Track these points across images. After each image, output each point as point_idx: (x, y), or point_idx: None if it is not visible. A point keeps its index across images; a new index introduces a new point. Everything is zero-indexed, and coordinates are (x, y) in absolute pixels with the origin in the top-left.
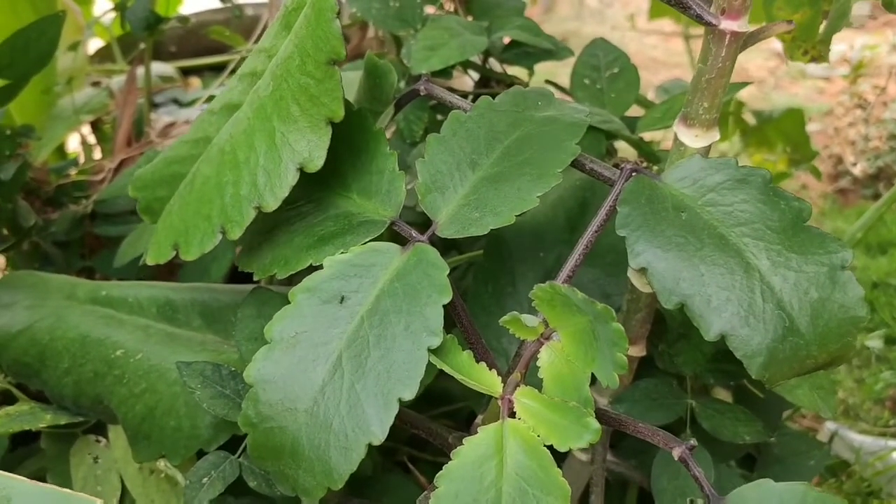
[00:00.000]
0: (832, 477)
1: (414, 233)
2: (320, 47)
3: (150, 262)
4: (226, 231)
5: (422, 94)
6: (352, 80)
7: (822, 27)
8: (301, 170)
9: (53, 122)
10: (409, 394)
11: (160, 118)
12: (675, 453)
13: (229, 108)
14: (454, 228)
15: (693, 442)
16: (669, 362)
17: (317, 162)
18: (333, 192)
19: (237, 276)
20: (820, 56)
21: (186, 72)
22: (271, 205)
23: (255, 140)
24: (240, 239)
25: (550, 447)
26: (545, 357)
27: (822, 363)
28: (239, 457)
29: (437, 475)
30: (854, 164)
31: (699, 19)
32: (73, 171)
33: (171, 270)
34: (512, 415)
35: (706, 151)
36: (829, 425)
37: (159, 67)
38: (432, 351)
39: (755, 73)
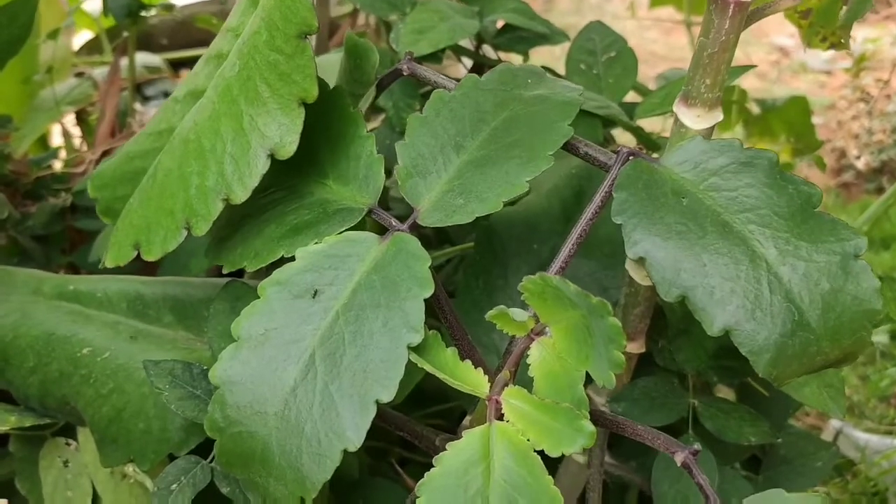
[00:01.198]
0: (837, 476)
1: (394, 221)
2: (289, 19)
3: (109, 264)
4: (191, 226)
5: (405, 73)
6: (333, 62)
7: (842, 12)
8: (272, 156)
9: (34, 114)
10: (388, 395)
11: (148, 110)
12: (678, 458)
13: (194, 94)
14: (437, 216)
15: (697, 447)
16: (670, 359)
17: (289, 148)
18: (308, 179)
19: (220, 271)
20: (840, 43)
21: (178, 64)
22: (240, 196)
23: (222, 126)
24: (210, 229)
25: (542, 452)
26: (536, 354)
27: (834, 359)
28: (211, 461)
29: (419, 483)
30: (857, 158)
31: None
32: (56, 164)
33: (150, 265)
34: (500, 417)
35: (709, 133)
36: (834, 423)
37: (145, 58)
38: (413, 348)
39: (757, 65)
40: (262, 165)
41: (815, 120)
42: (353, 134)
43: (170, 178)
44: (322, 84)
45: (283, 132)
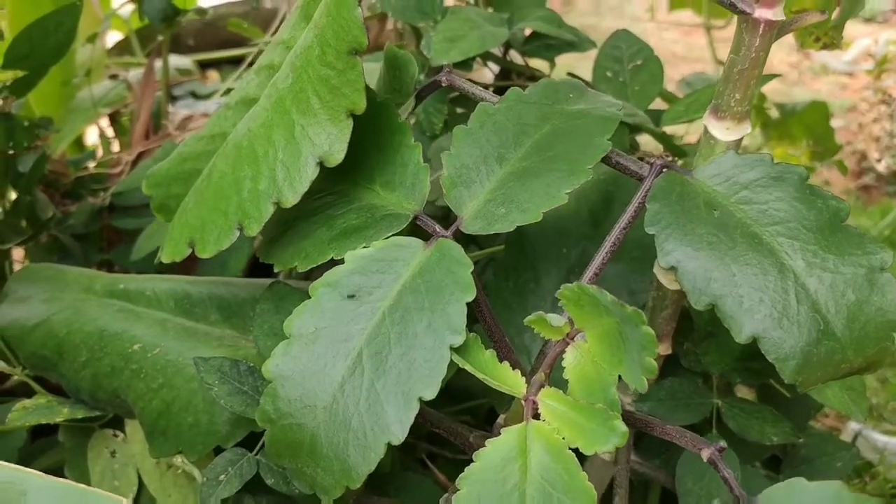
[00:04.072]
0: (856, 477)
1: (438, 228)
2: (341, 37)
3: (165, 259)
4: (243, 227)
5: (444, 84)
6: (371, 70)
7: (835, 13)
8: (321, 164)
9: (72, 115)
10: (431, 393)
11: (178, 111)
12: (704, 455)
13: (246, 102)
14: (479, 224)
15: (722, 444)
16: (695, 361)
17: (337, 156)
18: (356, 185)
19: (256, 270)
20: (832, 43)
21: (205, 65)
22: (290, 200)
23: (274, 134)
24: (262, 229)
25: (576, 450)
26: (571, 358)
27: (858, 368)
28: (257, 454)
29: (460, 477)
30: (878, 161)
31: (732, 7)
32: (91, 164)
33: (189, 264)
34: (536, 416)
35: (737, 144)
36: (853, 425)
37: (177, 60)
38: (454, 349)
39: (777, 67)
40: (312, 172)
41: (836, 122)
42: (400, 142)
43: (224, 180)
44: (371, 94)
45: (332, 141)
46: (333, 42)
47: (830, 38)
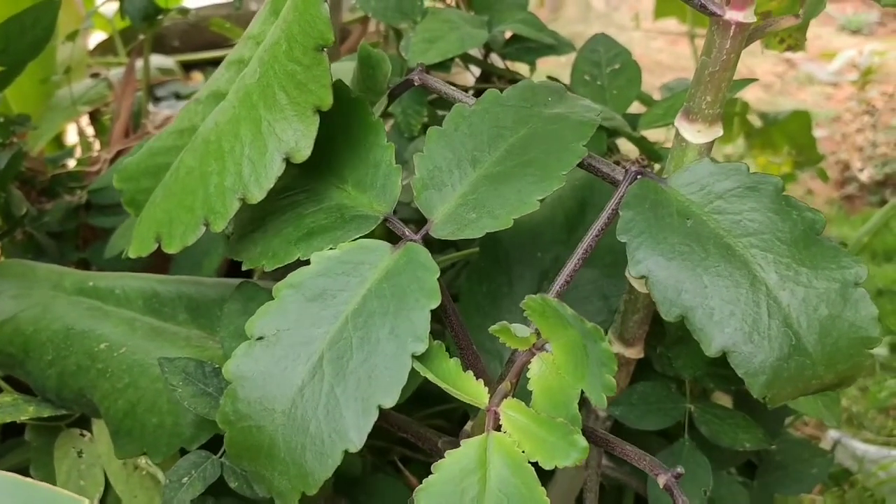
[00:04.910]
0: (835, 486)
1: (407, 231)
2: (308, 32)
3: (131, 254)
4: (209, 223)
5: (416, 83)
6: (346, 70)
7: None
8: (287, 160)
9: (51, 113)
10: (390, 401)
11: (159, 111)
12: (661, 481)
13: (215, 96)
14: (449, 229)
15: (680, 469)
16: (668, 365)
17: (304, 152)
18: (328, 183)
19: (233, 271)
20: (797, 45)
21: (189, 66)
22: (256, 196)
23: (241, 129)
24: (233, 227)
25: (536, 463)
26: (536, 368)
27: (829, 384)
28: (221, 456)
29: (417, 489)
30: (861, 170)
31: (703, 9)
32: (70, 162)
33: (163, 263)
34: (499, 427)
35: (708, 148)
36: (833, 434)
37: (159, 60)
38: (417, 357)
39: (763, 77)
40: (278, 168)
41: (820, 132)
42: (373, 142)
43: (191, 175)
44: (345, 91)
45: (298, 137)
46: (300, 38)
47: (794, 39)
